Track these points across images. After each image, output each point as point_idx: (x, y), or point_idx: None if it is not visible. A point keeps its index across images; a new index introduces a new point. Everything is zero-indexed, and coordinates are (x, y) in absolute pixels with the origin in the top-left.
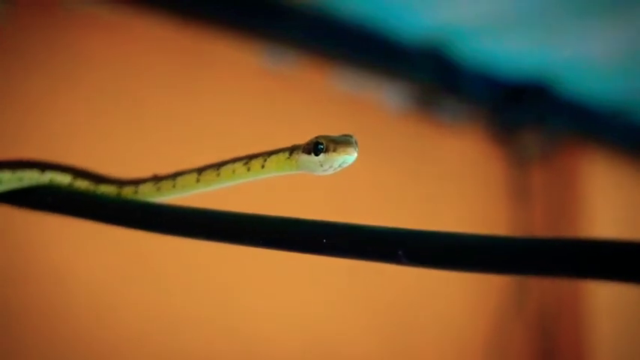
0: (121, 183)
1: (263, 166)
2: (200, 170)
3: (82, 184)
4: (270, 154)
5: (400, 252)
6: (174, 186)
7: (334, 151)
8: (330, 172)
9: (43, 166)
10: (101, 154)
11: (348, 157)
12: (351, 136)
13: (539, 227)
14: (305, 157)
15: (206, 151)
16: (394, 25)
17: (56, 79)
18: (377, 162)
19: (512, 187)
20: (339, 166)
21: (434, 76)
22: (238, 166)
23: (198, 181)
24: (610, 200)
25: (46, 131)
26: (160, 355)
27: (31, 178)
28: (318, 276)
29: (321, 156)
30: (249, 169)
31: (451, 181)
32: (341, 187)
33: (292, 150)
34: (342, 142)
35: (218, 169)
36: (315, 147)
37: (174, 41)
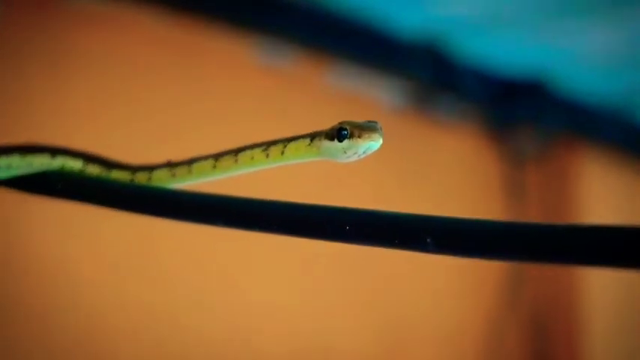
0: (134, 169)
1: (283, 153)
2: (217, 156)
3: (94, 170)
4: (290, 140)
5: (429, 239)
6: (189, 172)
7: (359, 137)
8: (354, 158)
9: (53, 151)
10: (97, 149)
11: (372, 144)
12: (376, 122)
13: None
14: (328, 144)
15: (202, 146)
16: (390, 21)
17: (52, 75)
18: (372, 159)
19: (508, 185)
20: (364, 152)
21: (429, 73)
22: (257, 152)
23: (214, 167)
24: (605, 198)
25: (43, 126)
26: (159, 347)
27: (41, 163)
28: (313, 270)
29: (345, 142)
30: (268, 156)
31: (446, 178)
32: (335, 184)
33: (314, 136)
34: (367, 127)
35: (236, 155)
36: (339, 133)
37: (170, 36)
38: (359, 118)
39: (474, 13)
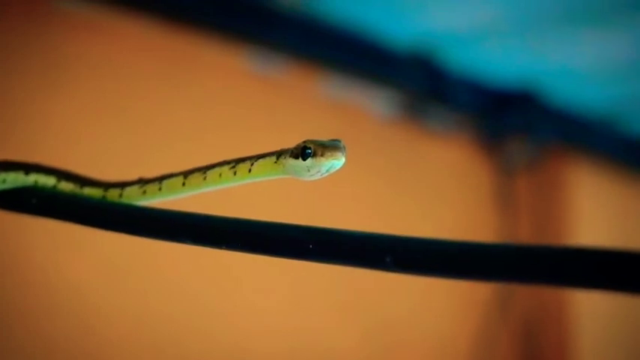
0: (106, 185)
1: (250, 170)
2: (186, 174)
3: (67, 187)
4: (257, 158)
5: (388, 259)
6: (160, 189)
7: (322, 155)
8: (318, 177)
9: (27, 168)
10: (86, 157)
11: (335, 162)
12: (339, 141)
13: (524, 235)
14: (292, 162)
15: (192, 154)
16: (383, 31)
17: (46, 81)
18: (364, 169)
19: (499, 195)
20: (327, 171)
21: (422, 84)
22: (225, 169)
23: (184, 184)
24: (596, 209)
25: (36, 131)
26: (157, 347)
27: (14, 179)
28: (303, 270)
29: (309, 160)
30: (235, 173)
31: (438, 188)
32: (328, 194)
33: (280, 154)
34: (330, 146)
35: (205, 173)
36: (303, 151)
37: (163, 45)
38: (351, 128)
39: (465, 24)
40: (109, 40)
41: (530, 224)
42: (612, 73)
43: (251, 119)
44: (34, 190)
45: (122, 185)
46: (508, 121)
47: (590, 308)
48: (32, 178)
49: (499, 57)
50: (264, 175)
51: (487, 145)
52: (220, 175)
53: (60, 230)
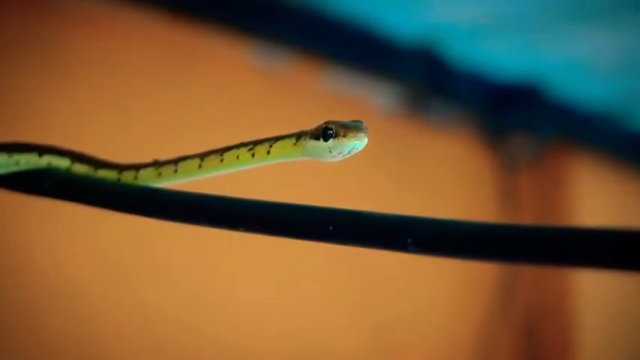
0: (121, 168)
1: (268, 152)
2: (203, 156)
3: (81, 169)
4: (276, 139)
5: (409, 240)
6: (175, 171)
7: (344, 136)
8: (339, 158)
9: (41, 150)
10: (88, 150)
11: (358, 143)
12: (361, 122)
13: None
14: (313, 143)
15: (196, 149)
16: (386, 26)
17: (47, 76)
18: (365, 162)
19: (501, 191)
20: (349, 152)
21: (424, 78)
22: (243, 152)
23: (200, 166)
24: (599, 205)
25: (31, 132)
26: (144, 353)
27: (28, 161)
28: (306, 270)
29: (331, 142)
30: (253, 155)
31: (440, 183)
32: (329, 187)
33: (299, 136)
34: (352, 127)
35: (222, 155)
36: (325, 132)
37: (165, 38)
38: None
39: (469, 18)
40: (110, 36)
41: (533, 220)
42: (616, 68)
43: (254, 113)
44: (47, 173)
45: (137, 167)
46: (511, 116)
47: (592, 304)
48: (46, 160)
49: (503, 52)
50: (283, 157)
51: (490, 140)
52: (238, 157)
53: (60, 229)
